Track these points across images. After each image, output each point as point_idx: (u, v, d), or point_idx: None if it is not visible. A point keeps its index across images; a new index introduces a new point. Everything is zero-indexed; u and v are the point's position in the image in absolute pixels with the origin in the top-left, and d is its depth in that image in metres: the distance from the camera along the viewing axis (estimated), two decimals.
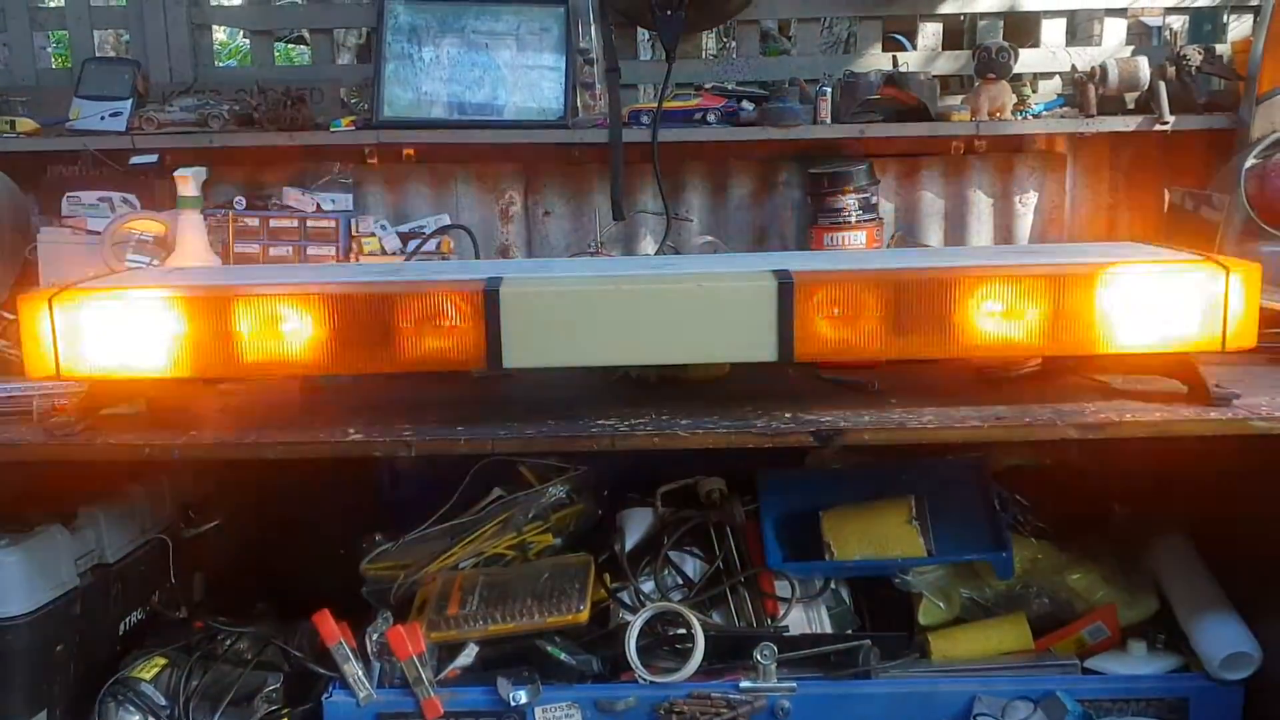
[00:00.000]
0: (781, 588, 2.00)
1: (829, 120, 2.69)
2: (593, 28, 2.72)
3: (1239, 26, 2.88)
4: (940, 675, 1.89)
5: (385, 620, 1.89)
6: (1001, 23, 2.93)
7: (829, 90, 2.69)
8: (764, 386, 1.77)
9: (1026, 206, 2.83)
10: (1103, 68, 2.68)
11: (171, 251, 2.28)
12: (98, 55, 2.97)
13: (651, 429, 1.57)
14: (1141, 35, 2.96)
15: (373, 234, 2.68)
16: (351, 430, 1.59)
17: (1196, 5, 2.88)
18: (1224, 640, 1.83)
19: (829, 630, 1.97)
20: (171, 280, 1.72)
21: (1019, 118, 2.73)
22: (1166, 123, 2.66)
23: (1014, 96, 2.72)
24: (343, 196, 2.73)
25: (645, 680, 1.85)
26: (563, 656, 1.87)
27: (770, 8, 2.99)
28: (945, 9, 2.90)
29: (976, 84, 2.72)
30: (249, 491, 2.20)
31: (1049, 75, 2.92)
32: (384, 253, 2.66)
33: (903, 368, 1.83)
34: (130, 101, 2.72)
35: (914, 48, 3.01)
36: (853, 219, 2.65)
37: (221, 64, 5.26)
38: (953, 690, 1.86)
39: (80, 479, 1.90)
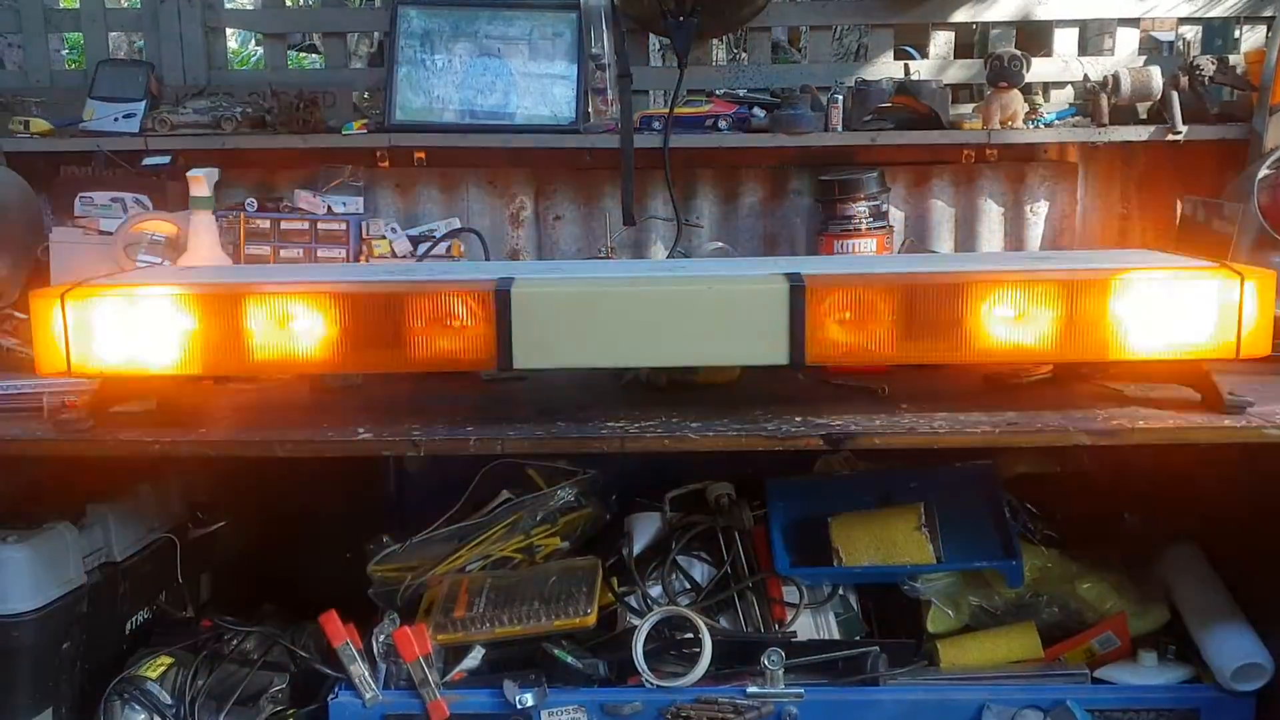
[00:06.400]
0: (789, 593, 1.99)
1: (840, 128, 2.69)
2: (605, 34, 2.72)
3: (1252, 37, 2.88)
4: (949, 683, 1.88)
5: (392, 621, 1.89)
6: (1014, 32, 2.93)
7: (840, 98, 2.69)
8: (774, 390, 1.77)
9: (1037, 215, 2.82)
10: (1115, 77, 2.68)
11: (183, 252, 2.28)
12: (112, 57, 2.98)
13: (662, 431, 1.57)
14: (1154, 47, 2.96)
15: (383, 237, 2.68)
16: (361, 430, 1.59)
17: (1209, 16, 2.87)
18: (1236, 651, 1.82)
19: (837, 637, 1.97)
20: (182, 279, 1.72)
21: (1031, 126, 2.73)
22: (1179, 133, 2.65)
23: (1026, 105, 2.71)
24: (354, 199, 2.74)
25: (652, 684, 1.84)
26: (569, 660, 1.87)
27: (782, 15, 2.99)
28: (957, 18, 2.90)
29: (988, 92, 2.72)
30: (257, 491, 2.20)
31: (1061, 85, 2.91)
32: (394, 256, 2.67)
33: (913, 373, 1.83)
34: (144, 103, 2.73)
35: (923, 59, 3.00)
36: (863, 226, 2.65)
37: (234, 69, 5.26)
38: (962, 698, 1.85)
39: (89, 477, 1.91)
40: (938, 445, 1.57)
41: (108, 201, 2.61)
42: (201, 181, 2.24)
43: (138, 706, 1.85)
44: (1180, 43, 2.88)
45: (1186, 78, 2.68)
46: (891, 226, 2.73)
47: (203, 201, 2.24)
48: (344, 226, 2.65)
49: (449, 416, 1.65)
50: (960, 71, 2.92)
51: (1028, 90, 2.77)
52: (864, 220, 2.65)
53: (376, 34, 3.66)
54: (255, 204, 2.68)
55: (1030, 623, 1.96)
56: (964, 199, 2.84)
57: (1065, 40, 2.90)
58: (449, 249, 2.68)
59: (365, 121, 2.77)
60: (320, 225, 2.65)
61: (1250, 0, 2.82)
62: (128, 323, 1.57)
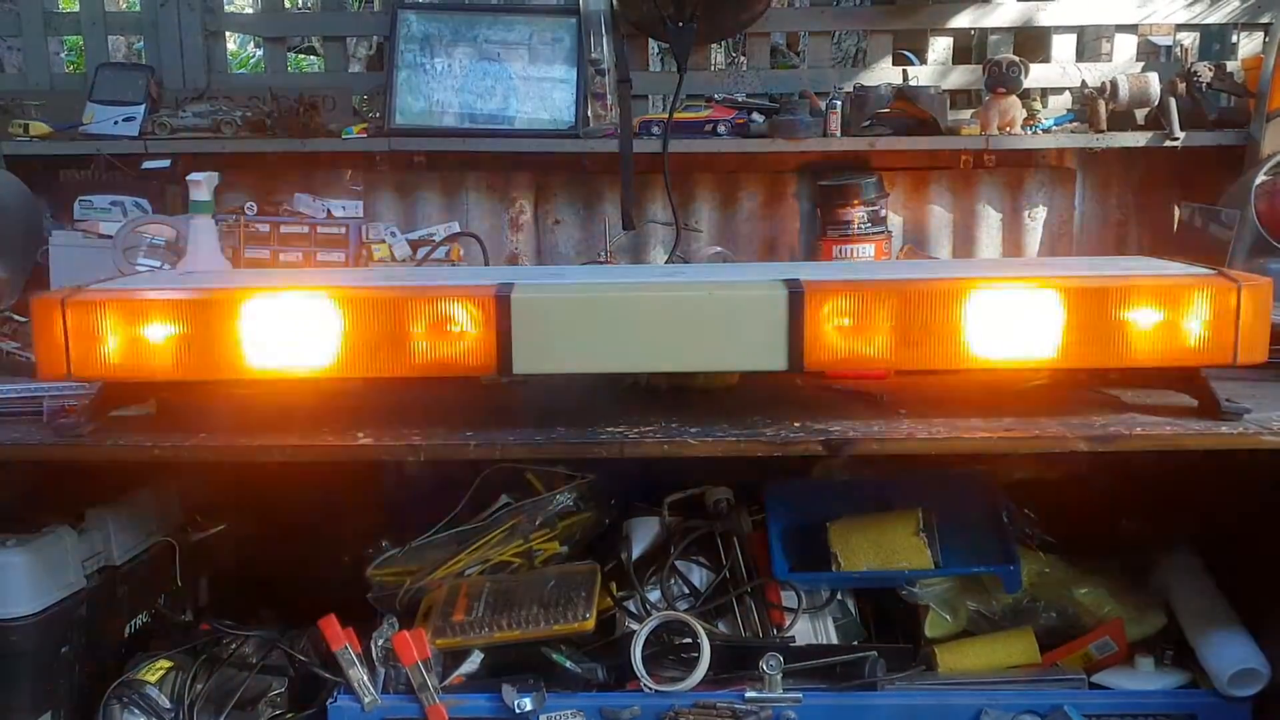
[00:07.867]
0: (788, 598, 1.99)
1: (839, 133, 2.70)
2: (605, 39, 2.73)
3: (1249, 44, 2.89)
4: (946, 688, 1.88)
5: (391, 626, 1.89)
6: (1012, 38, 2.94)
7: (839, 103, 2.70)
8: (773, 395, 1.77)
9: (1035, 221, 2.83)
10: (1113, 83, 2.69)
11: (183, 256, 2.29)
12: (111, 60, 2.99)
13: (661, 437, 1.57)
14: (1151, 53, 2.97)
15: (383, 241, 2.69)
16: (360, 434, 1.59)
17: (1207, 23, 2.88)
18: (1232, 656, 1.82)
19: (835, 641, 1.97)
20: (182, 283, 1.72)
21: (1029, 132, 2.74)
22: (1177, 139, 2.66)
23: (1024, 111, 2.72)
24: (353, 203, 2.74)
25: (650, 689, 1.84)
26: (568, 664, 1.87)
27: (781, 20, 3.00)
28: (956, 23, 2.91)
29: (986, 98, 2.73)
30: (255, 495, 2.20)
31: (1059, 91, 2.92)
32: (394, 260, 2.67)
33: (911, 379, 1.83)
34: (144, 107, 2.74)
35: (921, 64, 3.01)
36: (861, 231, 2.66)
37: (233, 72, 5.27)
38: (959, 703, 1.85)
39: (89, 481, 1.91)
40: (936, 451, 1.57)
41: (107, 205, 2.62)
42: (201, 185, 2.24)
43: (136, 710, 1.85)
44: (1178, 49, 2.89)
45: (1184, 84, 2.69)
46: (890, 232, 2.74)
47: (202, 205, 2.25)
48: (343, 230, 2.65)
49: (448, 421, 1.65)
50: (959, 77, 2.93)
51: (1026, 96, 2.78)
52: (862, 225, 2.66)
53: (375, 37, 3.66)
54: (255, 208, 2.68)
55: (1028, 628, 1.96)
56: (962, 204, 2.85)
57: (1063, 46, 2.92)
58: (448, 253, 2.69)
59: (365, 125, 2.77)
60: (320, 229, 2.65)
61: (1248, 7, 2.84)
62: (128, 327, 1.57)
